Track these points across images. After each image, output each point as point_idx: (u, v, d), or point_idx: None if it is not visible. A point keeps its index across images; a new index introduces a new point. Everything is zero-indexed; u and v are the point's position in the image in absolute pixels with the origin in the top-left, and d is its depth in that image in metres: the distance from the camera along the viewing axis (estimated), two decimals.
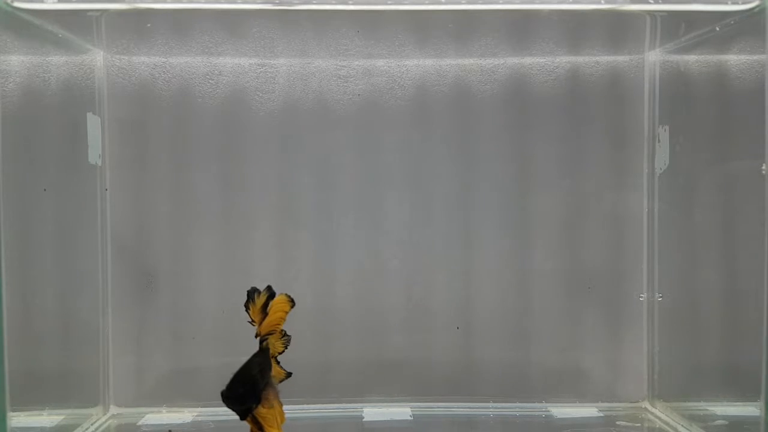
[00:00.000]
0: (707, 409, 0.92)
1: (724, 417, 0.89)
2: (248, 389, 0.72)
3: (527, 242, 1.00)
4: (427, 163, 0.99)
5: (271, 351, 0.76)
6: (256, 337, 0.75)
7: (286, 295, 0.76)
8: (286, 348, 0.76)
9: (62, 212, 0.93)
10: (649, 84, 0.99)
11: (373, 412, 0.97)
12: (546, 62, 0.99)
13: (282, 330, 0.76)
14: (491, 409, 0.98)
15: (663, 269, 0.98)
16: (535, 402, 0.99)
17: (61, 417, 0.91)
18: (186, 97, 0.97)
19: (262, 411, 0.72)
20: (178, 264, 0.98)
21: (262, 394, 0.73)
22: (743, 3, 0.76)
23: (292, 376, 0.77)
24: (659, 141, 0.98)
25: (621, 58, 0.99)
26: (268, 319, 0.75)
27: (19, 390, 0.73)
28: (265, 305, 0.75)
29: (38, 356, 0.93)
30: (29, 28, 0.82)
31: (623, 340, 1.00)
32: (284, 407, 0.75)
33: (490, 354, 1.00)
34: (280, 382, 0.76)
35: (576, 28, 0.95)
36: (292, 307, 0.76)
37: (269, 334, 0.75)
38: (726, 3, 0.78)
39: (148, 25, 0.91)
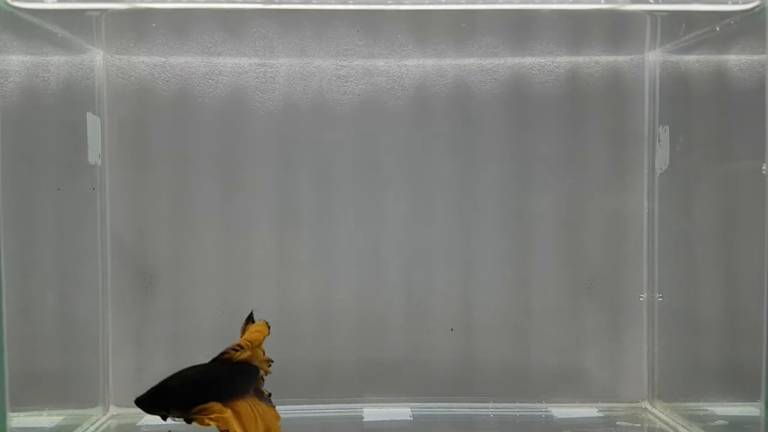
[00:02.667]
0: (707, 409, 0.92)
1: (724, 417, 0.89)
2: (154, 398, 0.70)
3: (527, 242, 1.00)
4: (427, 163, 0.99)
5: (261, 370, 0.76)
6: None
7: (264, 321, 0.77)
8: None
9: (62, 212, 0.93)
10: (649, 84, 0.99)
11: (373, 412, 0.97)
12: (546, 62, 0.99)
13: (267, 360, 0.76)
14: (491, 409, 0.98)
15: (663, 269, 0.98)
16: (535, 402, 0.99)
17: (61, 417, 0.91)
18: (186, 97, 0.97)
19: (209, 419, 0.69)
20: (178, 264, 0.98)
21: (198, 403, 0.70)
22: (743, 3, 0.76)
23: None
24: (659, 141, 0.97)
25: (621, 58, 0.99)
26: (245, 336, 0.75)
27: (19, 390, 0.73)
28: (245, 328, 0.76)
29: (38, 356, 0.93)
30: (29, 28, 0.82)
31: (623, 340, 1.00)
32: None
33: (490, 354, 1.00)
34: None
35: (576, 28, 0.95)
36: (268, 332, 0.76)
37: (236, 349, 0.73)
38: (726, 3, 0.78)
39: (154, 24, 0.91)
